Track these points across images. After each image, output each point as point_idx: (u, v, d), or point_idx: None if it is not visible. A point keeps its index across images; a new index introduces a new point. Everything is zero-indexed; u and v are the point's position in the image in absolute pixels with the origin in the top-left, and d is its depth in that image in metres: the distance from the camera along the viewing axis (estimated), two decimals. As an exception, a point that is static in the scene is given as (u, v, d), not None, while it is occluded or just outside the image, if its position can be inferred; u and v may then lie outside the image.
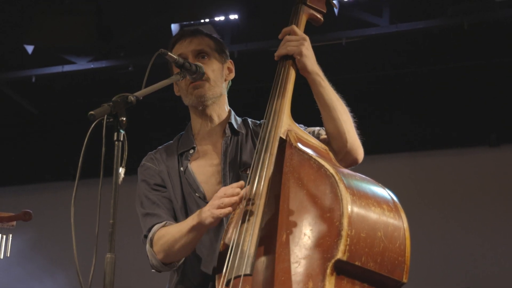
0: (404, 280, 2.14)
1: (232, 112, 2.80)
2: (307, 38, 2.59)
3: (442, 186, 6.56)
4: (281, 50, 2.57)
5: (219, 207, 2.34)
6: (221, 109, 2.76)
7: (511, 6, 5.58)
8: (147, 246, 2.61)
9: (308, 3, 2.72)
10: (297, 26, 2.64)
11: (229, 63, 2.82)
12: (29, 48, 6.19)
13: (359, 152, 2.58)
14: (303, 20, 2.70)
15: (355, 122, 2.61)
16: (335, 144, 2.55)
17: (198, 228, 2.44)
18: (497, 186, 6.43)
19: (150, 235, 2.61)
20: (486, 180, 6.48)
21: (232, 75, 2.83)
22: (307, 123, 2.73)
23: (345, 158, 2.55)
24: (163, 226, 2.60)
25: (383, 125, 6.47)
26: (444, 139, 6.59)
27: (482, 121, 6.46)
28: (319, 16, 2.74)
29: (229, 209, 2.34)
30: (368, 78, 6.50)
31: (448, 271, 6.31)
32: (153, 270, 2.64)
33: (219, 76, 2.73)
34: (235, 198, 2.33)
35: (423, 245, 6.20)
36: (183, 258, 2.62)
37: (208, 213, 2.38)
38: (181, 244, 2.50)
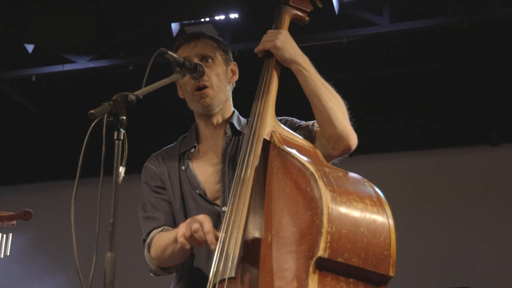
0: (391, 274, 2.10)
1: (236, 113, 2.79)
2: (282, 31, 2.57)
3: (442, 185, 6.55)
4: (258, 47, 2.58)
5: (188, 232, 2.29)
6: (226, 112, 2.75)
7: (511, 5, 5.58)
8: (145, 251, 2.62)
9: (290, 3, 2.70)
10: (279, 27, 2.63)
11: (233, 66, 2.80)
12: (29, 47, 6.19)
13: (351, 138, 2.50)
14: (286, 20, 2.67)
15: (349, 110, 2.54)
16: (324, 132, 2.50)
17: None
18: (498, 185, 6.43)
19: (148, 240, 2.62)
20: (486, 179, 6.48)
21: (236, 77, 2.80)
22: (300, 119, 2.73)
23: (336, 145, 2.49)
24: (160, 231, 2.61)
25: (383, 124, 6.47)
26: (445, 138, 6.59)
27: (483, 120, 6.46)
28: (303, 15, 2.72)
29: (198, 236, 2.28)
30: (368, 77, 6.50)
31: (447, 270, 6.30)
32: (151, 274, 2.65)
33: (223, 80, 2.71)
34: (205, 239, 2.27)
35: (422, 244, 6.21)
36: (181, 263, 2.62)
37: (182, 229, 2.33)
38: (170, 251, 2.50)
